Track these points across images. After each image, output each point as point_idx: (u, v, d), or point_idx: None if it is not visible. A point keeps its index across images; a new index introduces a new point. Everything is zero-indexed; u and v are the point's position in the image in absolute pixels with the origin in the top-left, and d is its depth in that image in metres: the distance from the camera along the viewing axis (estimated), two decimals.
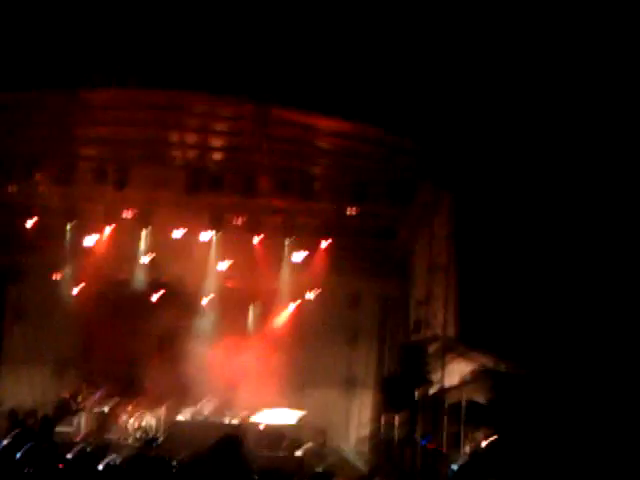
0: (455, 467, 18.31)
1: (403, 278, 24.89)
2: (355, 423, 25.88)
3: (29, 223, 24.01)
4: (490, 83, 20.67)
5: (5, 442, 16.02)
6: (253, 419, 23.67)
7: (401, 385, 21.08)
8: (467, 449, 19.82)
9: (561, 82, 20.44)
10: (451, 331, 20.79)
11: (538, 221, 20.73)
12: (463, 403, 20.44)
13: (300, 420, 23.63)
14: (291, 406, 23.85)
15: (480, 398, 19.98)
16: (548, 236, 20.45)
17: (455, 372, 20.66)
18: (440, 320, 21.08)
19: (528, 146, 20.71)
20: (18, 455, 14.93)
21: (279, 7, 20.16)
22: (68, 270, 24.62)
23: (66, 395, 24.35)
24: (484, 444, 19.11)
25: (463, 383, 20.58)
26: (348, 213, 23.14)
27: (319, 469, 22.48)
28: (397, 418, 22.77)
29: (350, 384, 25.97)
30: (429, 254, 21.96)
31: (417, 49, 20.83)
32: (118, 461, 15.24)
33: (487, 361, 20.03)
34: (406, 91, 20.94)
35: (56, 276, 24.67)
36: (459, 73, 20.65)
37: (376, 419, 25.53)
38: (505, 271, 20.47)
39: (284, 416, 23.67)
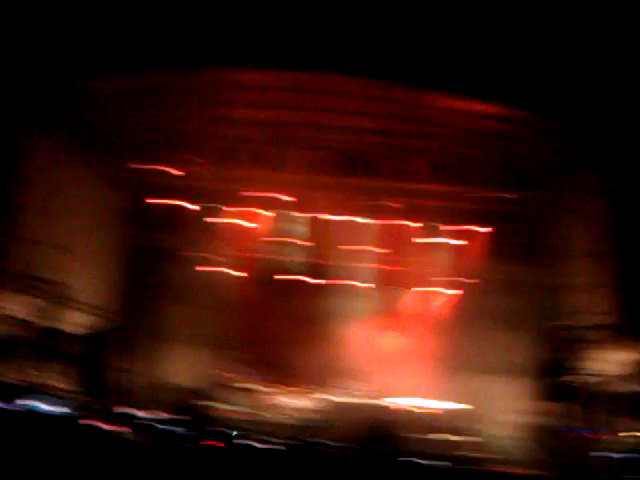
0: (615, 456, 17.81)
1: (558, 264, 24.47)
2: (510, 410, 25.53)
3: (187, 205, 24.61)
4: None
5: (167, 417, 16.49)
6: (406, 403, 23.66)
7: (558, 373, 20.64)
8: (627, 439, 19.27)
9: None
10: (609, 318, 20.17)
11: None
12: (623, 393, 19.85)
13: (453, 408, 23.57)
14: (447, 390, 23.79)
15: None
16: None
17: (614, 361, 20.08)
18: (598, 307, 20.49)
19: None
20: (180, 431, 15.26)
21: None
22: (224, 252, 25.05)
23: (221, 374, 24.84)
24: None
25: (623, 372, 19.99)
26: (502, 198, 22.76)
27: (472, 455, 22.33)
28: (553, 406, 22.34)
29: (505, 370, 25.67)
30: (585, 240, 21.39)
31: (569, 33, 20.38)
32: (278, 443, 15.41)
33: None
34: (561, 76, 20.49)
35: (212, 257, 25.14)
36: (614, 57, 20.08)
37: (532, 407, 25.16)
38: None
39: (435, 404, 23.63)
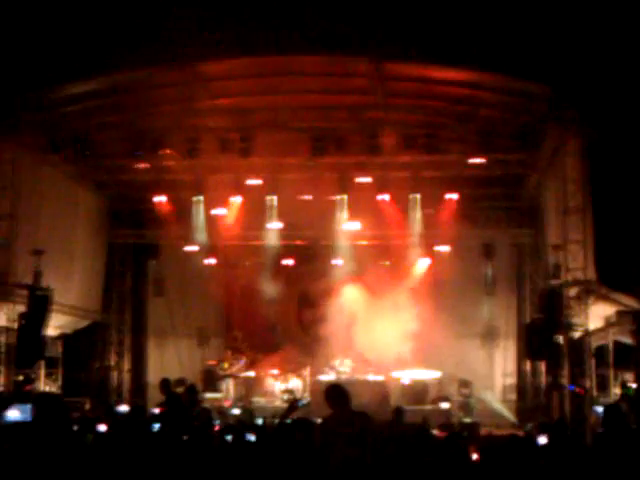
0: (602, 409, 17.85)
1: (536, 224, 24.54)
2: (499, 373, 25.80)
3: (160, 198, 24.63)
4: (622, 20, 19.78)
5: (157, 411, 16.39)
6: (395, 375, 23.79)
7: (543, 331, 20.65)
8: (616, 392, 19.35)
9: None
10: (591, 274, 20.18)
11: None
12: (609, 346, 19.89)
13: (441, 377, 23.79)
14: (434, 360, 23.98)
15: (627, 339, 19.43)
16: None
17: (598, 315, 20.12)
18: (579, 263, 20.47)
19: None
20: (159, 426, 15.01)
21: None
22: (202, 241, 25.03)
23: (212, 363, 24.95)
24: (634, 386, 18.60)
25: (608, 325, 20.03)
26: (476, 163, 22.71)
27: (466, 420, 22.43)
28: (541, 365, 22.47)
29: (491, 334, 25.87)
30: (562, 198, 21.32)
31: None
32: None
33: (632, 302, 19.44)
34: (531, 34, 20.24)
35: (191, 248, 25.13)
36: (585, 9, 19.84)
37: (520, 367, 25.36)
38: None
39: (424, 375, 23.79)
